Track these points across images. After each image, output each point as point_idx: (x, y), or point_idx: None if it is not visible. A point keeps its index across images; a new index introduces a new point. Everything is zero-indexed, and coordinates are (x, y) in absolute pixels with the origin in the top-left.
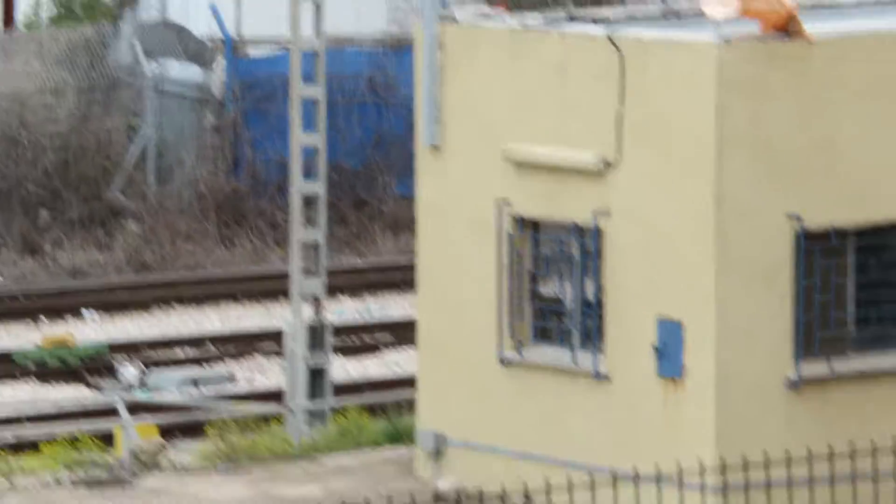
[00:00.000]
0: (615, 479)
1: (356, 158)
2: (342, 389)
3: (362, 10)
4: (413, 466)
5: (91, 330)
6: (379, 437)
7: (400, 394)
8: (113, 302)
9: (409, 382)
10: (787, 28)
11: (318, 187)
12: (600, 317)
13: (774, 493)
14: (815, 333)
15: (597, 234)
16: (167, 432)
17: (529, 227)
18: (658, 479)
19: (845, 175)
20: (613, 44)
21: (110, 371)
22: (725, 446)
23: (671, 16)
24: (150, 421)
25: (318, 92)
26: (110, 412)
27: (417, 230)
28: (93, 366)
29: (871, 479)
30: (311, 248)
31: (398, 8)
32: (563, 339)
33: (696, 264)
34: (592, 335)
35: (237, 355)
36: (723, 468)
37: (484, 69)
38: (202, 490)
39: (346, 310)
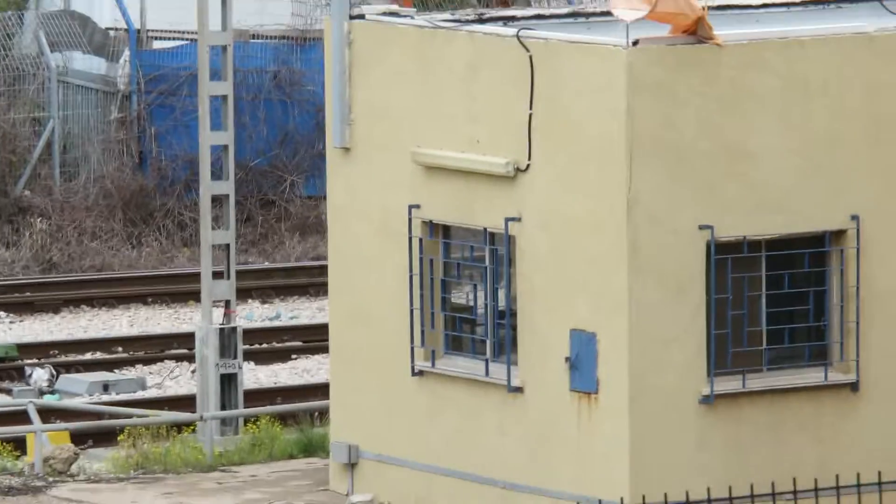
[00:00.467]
0: None
1: (262, 156)
2: (252, 396)
3: (265, 1)
4: (327, 478)
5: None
6: (292, 448)
7: (312, 403)
8: (21, 302)
9: (320, 389)
10: (696, 31)
11: (228, 187)
12: (513, 327)
13: None
14: (728, 348)
15: (508, 240)
16: (78, 438)
17: (440, 232)
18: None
19: (756, 182)
20: (522, 44)
21: (20, 373)
22: (639, 462)
23: (579, 17)
24: (60, 424)
25: (226, 88)
26: (20, 415)
27: (328, 234)
28: (2, 367)
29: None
30: (220, 250)
31: (301, 0)
32: (476, 349)
33: (608, 272)
34: (506, 346)
35: (147, 360)
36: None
37: (393, 68)
38: (115, 500)
39: (254, 313)
